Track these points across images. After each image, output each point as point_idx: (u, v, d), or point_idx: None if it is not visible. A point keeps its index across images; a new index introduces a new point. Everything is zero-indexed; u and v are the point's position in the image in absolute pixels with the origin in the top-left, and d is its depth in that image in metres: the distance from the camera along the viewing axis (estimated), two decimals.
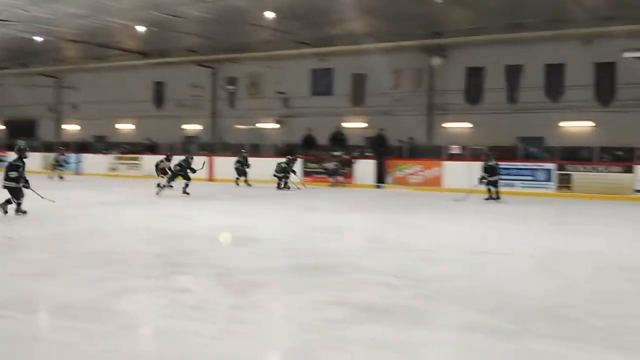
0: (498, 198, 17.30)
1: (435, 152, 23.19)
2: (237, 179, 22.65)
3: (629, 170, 19.05)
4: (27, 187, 12.36)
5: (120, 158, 28.26)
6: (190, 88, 30.30)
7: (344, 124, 25.67)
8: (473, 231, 11.63)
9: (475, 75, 24.14)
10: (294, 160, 21.79)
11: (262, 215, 14.02)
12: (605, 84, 21.98)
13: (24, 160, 12.39)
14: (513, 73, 23.37)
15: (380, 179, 22.50)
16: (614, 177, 19.11)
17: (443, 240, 10.35)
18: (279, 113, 28.32)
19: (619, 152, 20.42)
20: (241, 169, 22.66)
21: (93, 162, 28.44)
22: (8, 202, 12.18)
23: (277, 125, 28.40)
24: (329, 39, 25.00)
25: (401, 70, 25.52)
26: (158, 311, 5.72)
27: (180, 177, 17.91)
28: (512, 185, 19.88)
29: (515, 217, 13.98)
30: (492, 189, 17.41)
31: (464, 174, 20.91)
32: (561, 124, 22.64)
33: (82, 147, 30.07)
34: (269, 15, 21.92)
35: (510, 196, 17.53)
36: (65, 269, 7.46)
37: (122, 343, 4.84)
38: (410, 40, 23.41)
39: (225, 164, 25.02)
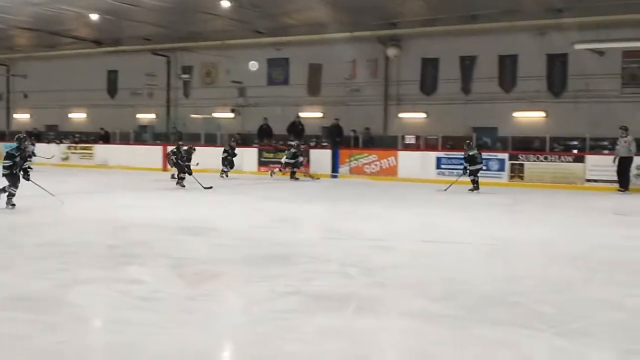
0: (477, 188, 17.41)
1: (390, 142, 23.35)
2: (223, 171, 21.70)
3: (580, 160, 19.44)
4: (27, 179, 12.20)
5: (72, 147, 27.81)
6: (144, 77, 29.93)
7: (301, 114, 25.64)
8: (426, 220, 11.75)
9: (430, 66, 24.35)
10: (300, 146, 21.52)
11: (218, 205, 13.95)
12: (557, 75, 22.37)
13: (22, 150, 12.24)
14: (467, 64, 23.65)
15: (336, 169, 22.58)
16: (565, 166, 19.48)
17: (396, 229, 10.45)
18: (235, 102, 28.17)
19: (574, 142, 20.83)
20: (228, 159, 21.91)
21: (45, 151, 27.94)
22: (3, 191, 12.03)
23: (233, 115, 28.24)
24: (285, 28, 24.91)
25: (357, 61, 25.60)
26: (109, 302, 5.65)
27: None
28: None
29: (468, 206, 14.16)
30: (474, 178, 17.53)
31: (418, 163, 21.18)
32: (514, 114, 22.96)
33: (34, 136, 29.47)
34: (225, 4, 21.71)
35: (464, 185, 17.74)
36: (16, 261, 7.34)
37: (73, 334, 4.78)
38: (365, 31, 23.46)
39: None
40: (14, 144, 12.30)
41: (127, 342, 4.58)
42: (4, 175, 12.04)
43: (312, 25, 23.84)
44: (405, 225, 10.99)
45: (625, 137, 17.99)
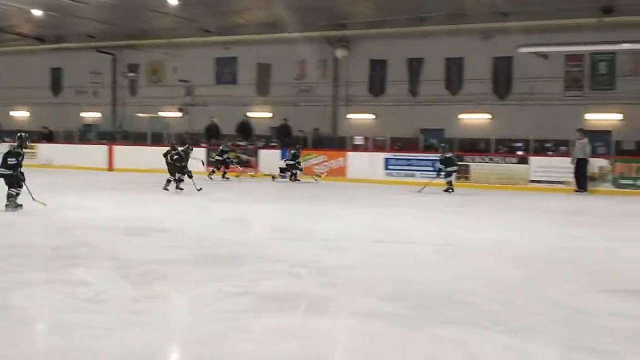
0: (452, 190, 17.57)
1: (339, 143, 23.42)
2: (213, 171, 21.05)
3: (524, 161, 19.81)
4: (23, 180, 11.88)
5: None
6: (89, 75, 29.41)
7: (250, 114, 25.52)
8: (377, 220, 11.81)
9: (378, 68, 24.50)
10: (301, 148, 21.13)
11: (166, 205, 13.77)
12: (502, 78, 22.76)
13: (23, 150, 12.01)
14: (414, 66, 23.88)
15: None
16: (510, 168, 19.83)
17: (347, 229, 10.48)
18: (182, 101, 27.90)
19: (519, 144, 21.21)
20: (224, 160, 21.25)
21: None
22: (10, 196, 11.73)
23: (180, 114, 27.96)
24: (234, 27, 24.77)
25: (306, 61, 25.61)
26: (54, 305, 5.53)
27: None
28: (412, 176, 20.34)
29: (418, 207, 14.30)
30: (449, 179, 17.67)
31: (367, 164, 21.29)
32: (460, 116, 23.28)
33: None
34: (172, 1, 21.50)
35: (411, 186, 17.89)
36: None
37: (18, 337, 4.66)
38: (315, 32, 23.49)
39: (126, 154, 24.53)
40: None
41: (73, 345, 4.48)
42: (1, 176, 11.72)
43: (261, 25, 23.78)
44: (356, 226, 11.02)
45: (582, 139, 18.38)
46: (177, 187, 16.37)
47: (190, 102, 27.77)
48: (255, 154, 23.01)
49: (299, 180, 20.52)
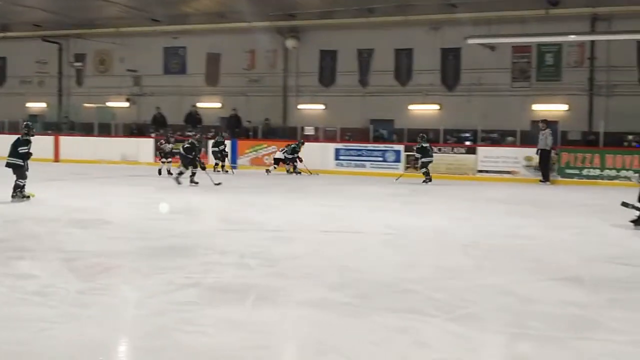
0: (429, 180, 17.76)
1: (290, 133, 23.42)
2: (217, 164, 20.61)
3: (472, 151, 20.10)
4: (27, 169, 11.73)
5: None
6: (34, 64, 28.78)
7: (199, 104, 25.31)
8: (325, 210, 11.85)
9: (328, 58, 24.57)
10: (302, 144, 20.56)
11: (113, 197, 13.59)
12: (451, 69, 23.05)
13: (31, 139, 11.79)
14: (364, 57, 24.00)
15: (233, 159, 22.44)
16: (459, 158, 20.11)
17: (295, 220, 10.52)
18: (130, 91, 27.53)
19: (467, 134, 21.51)
20: (220, 153, 20.68)
21: None
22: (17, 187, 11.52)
23: (128, 104, 27.58)
24: (183, 17, 24.49)
25: (256, 51, 25.52)
26: (0, 298, 5.43)
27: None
28: (363, 166, 20.49)
29: (365, 197, 14.39)
30: (425, 170, 17.86)
31: (318, 154, 21.33)
32: (410, 107, 23.48)
33: None
34: None
35: (361, 176, 18.01)
36: None
37: None
38: (264, 22, 23.38)
39: (72, 144, 24.12)
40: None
41: (20, 339, 4.40)
42: (10, 165, 11.54)
43: (211, 15, 23.55)
44: (305, 216, 11.06)
45: (544, 130, 18.64)
46: (191, 182, 15.70)
47: (138, 92, 27.43)
48: (205, 144, 22.83)
49: (299, 172, 20.11)
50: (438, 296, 5.67)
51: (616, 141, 19.37)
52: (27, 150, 11.58)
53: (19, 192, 11.55)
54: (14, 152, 11.56)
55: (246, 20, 23.11)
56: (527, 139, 20.13)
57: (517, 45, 21.92)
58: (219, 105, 25.93)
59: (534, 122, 20.93)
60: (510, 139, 20.60)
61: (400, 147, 20.68)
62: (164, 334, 4.58)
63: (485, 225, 10.47)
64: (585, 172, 18.66)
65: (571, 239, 9.24)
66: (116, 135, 25.03)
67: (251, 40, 24.81)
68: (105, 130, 25.18)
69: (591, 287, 6.23)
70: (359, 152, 20.79)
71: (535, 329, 4.84)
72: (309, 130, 23.39)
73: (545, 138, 18.57)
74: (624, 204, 10.07)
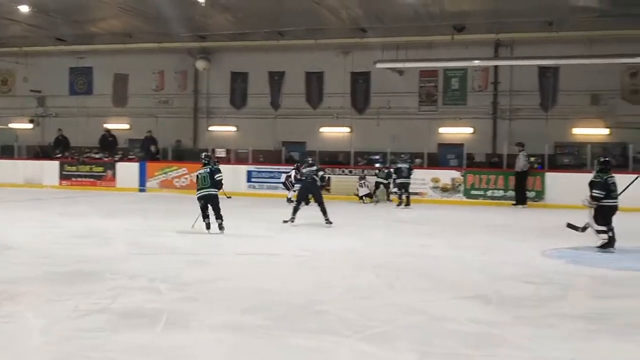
0: (407, 204, 17.46)
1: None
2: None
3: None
4: None
5: None
6: None
7: (108, 125, 24.76)
8: (239, 233, 11.75)
9: (239, 80, 24.56)
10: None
11: (16, 221, 13.10)
12: (360, 92, 23.43)
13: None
14: (276, 79, 24.12)
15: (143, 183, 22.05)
16: (369, 180, 20.32)
17: (206, 243, 10.43)
18: (34, 112, 26.70)
19: (376, 156, 21.80)
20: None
21: None
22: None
23: (32, 125, 26.73)
24: (89, 36, 23.95)
25: (165, 72, 25.25)
26: None
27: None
28: (275, 188, 20.45)
29: (278, 219, 14.34)
30: (401, 192, 17.66)
31: (229, 177, 21.15)
32: (321, 129, 23.70)
33: None
34: (24, 9, 20.47)
35: (273, 199, 17.99)
36: None
37: None
38: (174, 42, 23.16)
39: None
40: None
41: None
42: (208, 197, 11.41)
43: (118, 35, 23.13)
44: (218, 239, 10.94)
45: (522, 152, 18.80)
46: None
47: (42, 113, 26.63)
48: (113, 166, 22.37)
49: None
50: (350, 316, 5.72)
51: None
52: (221, 177, 11.68)
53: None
54: (212, 181, 11.51)
55: (154, 40, 22.85)
56: (434, 161, 20.63)
57: (425, 69, 22.53)
58: (127, 126, 25.45)
59: (440, 145, 21.56)
60: (418, 160, 21.03)
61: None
62: None
63: (395, 245, 10.64)
64: (489, 193, 19.24)
65: (477, 258, 9.48)
66: (19, 158, 24.17)
67: (160, 61, 24.54)
68: (7, 152, 24.28)
69: (497, 304, 6.42)
70: (271, 174, 20.78)
71: (444, 347, 4.94)
72: (221, 152, 23.22)
73: (521, 160, 18.65)
74: (571, 226, 10.38)
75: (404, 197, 17.67)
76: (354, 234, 12.22)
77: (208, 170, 11.63)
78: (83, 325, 5.31)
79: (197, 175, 11.74)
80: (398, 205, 17.76)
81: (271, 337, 5.08)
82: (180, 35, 22.56)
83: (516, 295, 6.86)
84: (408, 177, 17.76)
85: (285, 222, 13.12)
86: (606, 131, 21.26)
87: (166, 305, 6.06)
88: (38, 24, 22.36)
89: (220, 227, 11.35)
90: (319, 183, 13.63)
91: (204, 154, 12.66)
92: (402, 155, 18.53)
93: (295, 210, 13.25)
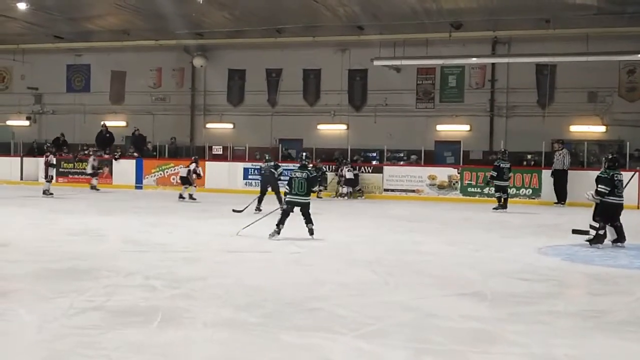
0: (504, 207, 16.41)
1: (198, 153, 23.17)
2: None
3: (378, 170, 20.44)
4: None
5: None
6: None
7: (106, 122, 24.73)
8: (232, 230, 11.71)
9: (236, 77, 24.55)
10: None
11: (11, 218, 13.10)
12: (358, 90, 23.43)
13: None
14: (273, 76, 24.12)
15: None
16: (365, 177, 20.39)
17: (202, 240, 10.42)
18: (31, 110, 26.68)
19: (374, 154, 21.86)
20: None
21: None
22: None
23: (28, 123, 26.70)
24: (87, 34, 23.91)
25: (163, 69, 25.23)
26: None
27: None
28: None
29: (271, 216, 14.33)
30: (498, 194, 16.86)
31: (226, 174, 21.22)
32: (318, 126, 23.70)
33: None
34: (21, 6, 20.42)
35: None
36: None
37: None
38: (171, 40, 23.15)
39: None
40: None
41: None
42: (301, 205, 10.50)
43: (115, 32, 23.10)
44: (211, 236, 10.95)
45: (561, 150, 18.54)
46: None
47: (39, 111, 26.60)
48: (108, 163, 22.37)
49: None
50: (344, 313, 5.72)
51: (516, 160, 20.08)
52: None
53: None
54: (307, 189, 10.48)
55: (152, 38, 22.82)
56: (430, 158, 20.65)
57: (422, 67, 22.52)
58: (123, 124, 25.43)
59: (437, 142, 21.57)
60: (413, 157, 21.07)
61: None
62: (63, 359, 4.43)
63: (389, 242, 10.66)
64: (486, 190, 19.23)
65: (472, 255, 9.50)
66: (16, 155, 24.16)
67: (158, 58, 24.52)
68: (4, 149, 24.27)
69: (492, 301, 6.42)
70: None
71: (438, 344, 4.94)
72: (217, 150, 23.22)
73: (563, 157, 18.40)
74: (577, 231, 10.31)
75: (502, 199, 16.50)
76: (347, 229, 12.24)
77: (305, 175, 10.45)
78: (78, 322, 5.31)
79: (292, 179, 10.49)
80: (495, 208, 16.43)
81: (266, 334, 5.08)
82: (177, 33, 22.52)
83: (511, 292, 6.86)
84: (508, 178, 16.75)
85: (237, 211, 14.09)
86: (603, 128, 21.29)
87: (161, 302, 6.06)
88: (35, 21, 22.32)
89: (312, 232, 10.39)
90: (276, 175, 15.34)
91: (304, 154, 11.62)
92: (499, 154, 17.21)
93: (260, 200, 15.01)
